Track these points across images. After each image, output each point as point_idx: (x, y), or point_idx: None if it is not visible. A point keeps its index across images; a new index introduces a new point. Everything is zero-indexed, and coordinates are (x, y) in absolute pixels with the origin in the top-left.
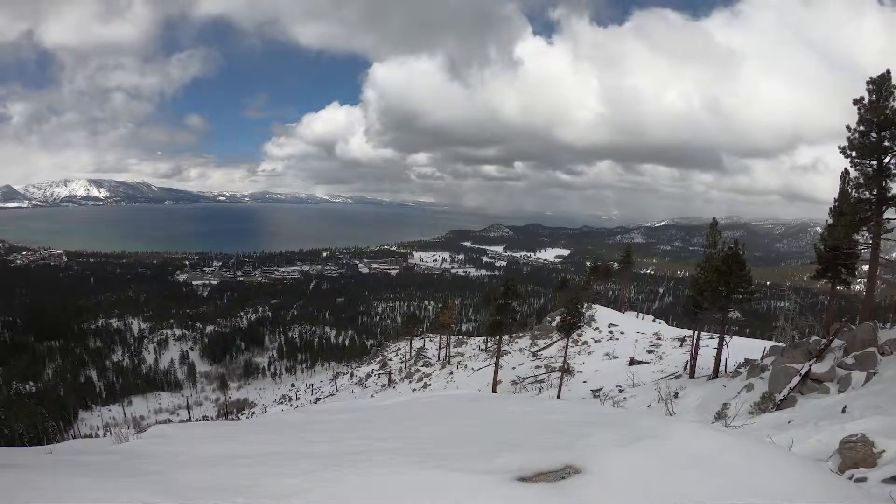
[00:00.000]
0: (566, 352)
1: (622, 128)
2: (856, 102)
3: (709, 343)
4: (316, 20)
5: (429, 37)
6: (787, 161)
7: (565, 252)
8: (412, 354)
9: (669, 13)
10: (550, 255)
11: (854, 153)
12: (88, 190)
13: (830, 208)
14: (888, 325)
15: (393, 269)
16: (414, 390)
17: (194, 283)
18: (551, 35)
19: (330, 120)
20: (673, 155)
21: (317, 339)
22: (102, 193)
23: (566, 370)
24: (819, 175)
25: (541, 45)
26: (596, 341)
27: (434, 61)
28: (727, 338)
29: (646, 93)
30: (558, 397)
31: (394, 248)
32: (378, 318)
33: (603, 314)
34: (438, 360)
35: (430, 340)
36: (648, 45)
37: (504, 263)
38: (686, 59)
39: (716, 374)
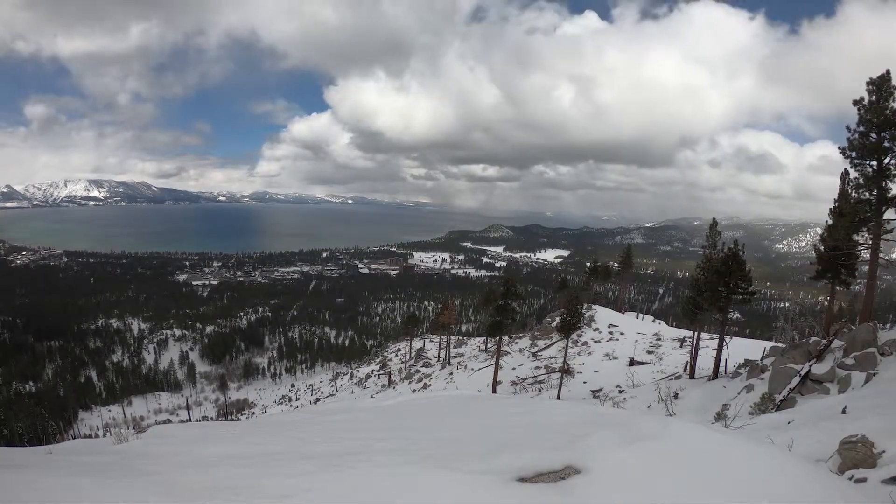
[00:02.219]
0: (566, 352)
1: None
2: (855, 103)
3: (709, 344)
4: (305, 47)
5: (378, 58)
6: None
7: (565, 253)
8: (412, 355)
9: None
10: (550, 255)
11: (854, 154)
12: (88, 190)
13: (830, 209)
14: (888, 325)
15: (393, 269)
16: (414, 391)
17: (194, 283)
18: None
19: (319, 126)
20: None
21: (317, 340)
22: (102, 193)
23: (566, 371)
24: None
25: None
26: (596, 342)
27: (393, 79)
28: (727, 338)
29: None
30: (558, 398)
31: (394, 249)
32: (378, 318)
33: (603, 315)
34: (438, 360)
35: (430, 341)
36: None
37: (504, 264)
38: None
39: (716, 374)
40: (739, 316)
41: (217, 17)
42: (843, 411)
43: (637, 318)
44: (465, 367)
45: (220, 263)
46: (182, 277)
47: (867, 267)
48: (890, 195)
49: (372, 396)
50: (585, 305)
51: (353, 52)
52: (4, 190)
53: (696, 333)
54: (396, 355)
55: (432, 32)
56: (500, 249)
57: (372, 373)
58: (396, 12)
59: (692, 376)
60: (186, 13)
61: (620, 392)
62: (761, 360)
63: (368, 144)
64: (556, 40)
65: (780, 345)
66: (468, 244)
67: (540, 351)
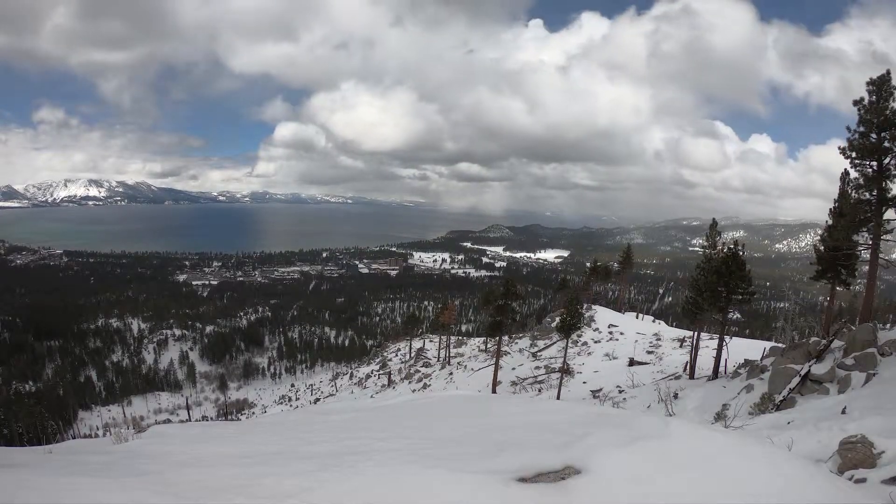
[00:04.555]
0: (566, 352)
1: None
2: (856, 103)
3: (708, 344)
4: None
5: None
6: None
7: (565, 253)
8: (412, 355)
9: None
10: (550, 255)
11: (854, 154)
12: (88, 190)
13: (830, 209)
14: (888, 325)
15: (393, 269)
16: (413, 391)
17: (194, 283)
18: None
19: (307, 132)
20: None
21: (316, 340)
22: (102, 193)
23: (566, 371)
24: None
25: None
26: (596, 342)
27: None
28: (727, 338)
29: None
30: (558, 398)
31: (393, 249)
32: (378, 318)
33: (603, 315)
34: (438, 360)
35: (430, 341)
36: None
37: (504, 264)
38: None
39: (715, 374)
40: (739, 316)
41: (209, 47)
42: (843, 411)
43: (637, 318)
44: (465, 367)
45: (219, 263)
46: (182, 277)
47: (867, 267)
48: (890, 195)
49: (372, 396)
50: (585, 305)
51: (316, 78)
52: (4, 189)
53: (695, 333)
54: (396, 355)
55: (370, 60)
56: (500, 249)
57: (372, 373)
58: (333, 48)
59: (692, 376)
60: (167, 45)
61: (620, 392)
62: (761, 360)
63: (351, 150)
64: (485, 56)
65: (780, 345)
66: (468, 244)
67: (540, 351)
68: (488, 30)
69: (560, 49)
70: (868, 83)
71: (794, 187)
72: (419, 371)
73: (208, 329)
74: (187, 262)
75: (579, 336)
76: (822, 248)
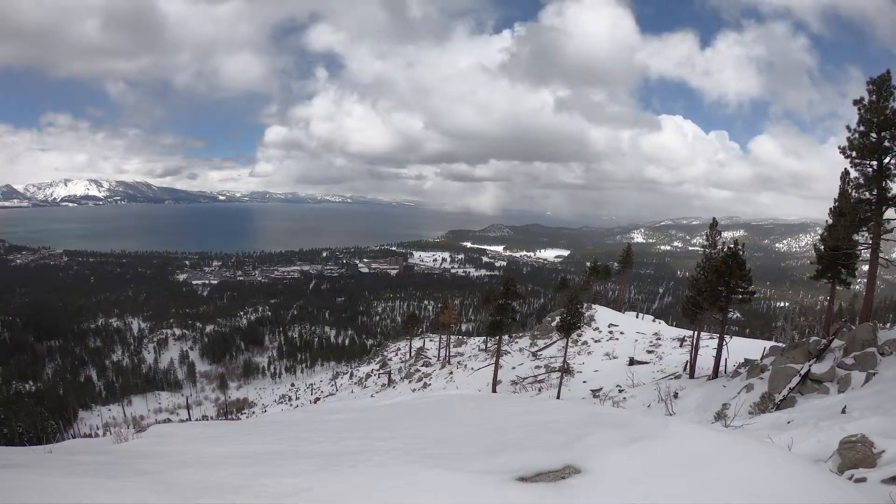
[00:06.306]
0: (566, 352)
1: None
2: (856, 103)
3: (708, 343)
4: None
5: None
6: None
7: (565, 252)
8: (412, 354)
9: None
10: (550, 255)
11: (854, 153)
12: (88, 189)
13: (830, 209)
14: (888, 325)
15: (393, 268)
16: (413, 390)
17: (194, 282)
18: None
19: (301, 135)
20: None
21: (316, 339)
22: (102, 193)
23: (566, 370)
24: None
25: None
26: (596, 341)
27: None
28: (727, 338)
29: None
30: (558, 397)
31: (393, 248)
32: (378, 317)
33: (603, 314)
34: (438, 359)
35: (430, 340)
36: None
37: (504, 263)
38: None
39: (715, 374)
40: (739, 315)
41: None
42: (843, 411)
43: (637, 317)
44: (465, 366)
45: (219, 263)
46: (182, 277)
47: (867, 267)
48: (890, 195)
49: (372, 396)
50: (585, 305)
51: (297, 90)
52: (4, 189)
53: (695, 333)
54: (396, 354)
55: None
56: (500, 249)
57: (372, 372)
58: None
59: (692, 376)
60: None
61: (620, 391)
62: (761, 359)
63: (339, 152)
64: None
65: (780, 344)
66: (468, 244)
67: (540, 350)
68: (439, 43)
69: (498, 53)
70: (868, 82)
71: (749, 179)
72: (419, 370)
73: (208, 328)
74: (187, 262)
75: (579, 335)
76: (822, 247)
